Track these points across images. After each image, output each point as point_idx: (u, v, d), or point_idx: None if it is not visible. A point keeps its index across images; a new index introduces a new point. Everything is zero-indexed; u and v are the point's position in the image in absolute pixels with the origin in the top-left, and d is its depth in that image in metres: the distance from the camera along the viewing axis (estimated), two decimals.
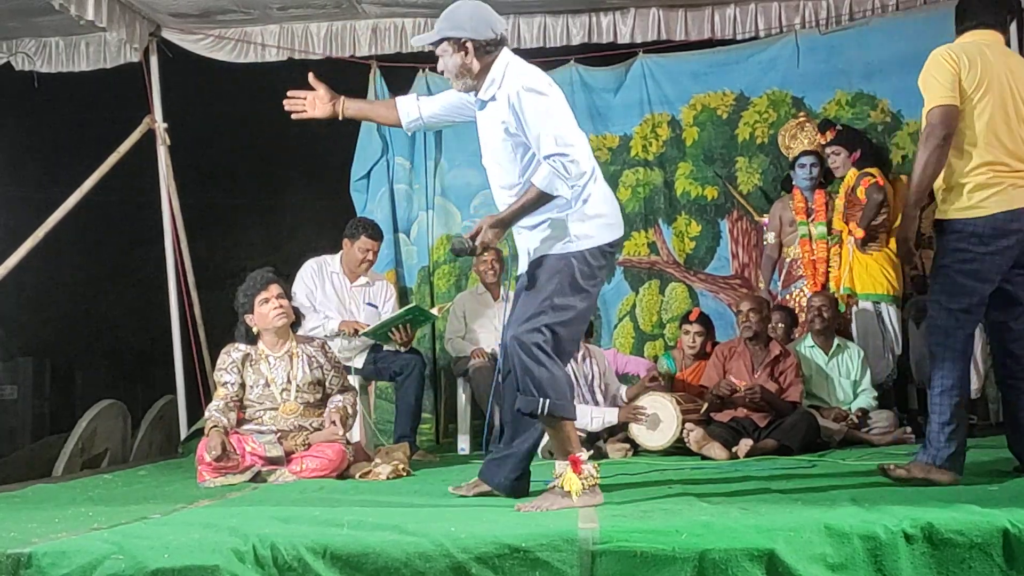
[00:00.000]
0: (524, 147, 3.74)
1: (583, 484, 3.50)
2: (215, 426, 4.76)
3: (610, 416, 5.84)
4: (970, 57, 4.08)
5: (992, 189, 3.93)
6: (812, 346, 6.32)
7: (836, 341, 6.27)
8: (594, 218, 3.77)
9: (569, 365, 5.94)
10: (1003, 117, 3.99)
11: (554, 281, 3.71)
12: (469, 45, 3.75)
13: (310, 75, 4.26)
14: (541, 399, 3.60)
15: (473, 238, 3.72)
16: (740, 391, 5.80)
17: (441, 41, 3.80)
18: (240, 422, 4.91)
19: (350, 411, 5.00)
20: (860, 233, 6.38)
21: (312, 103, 4.16)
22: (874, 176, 6.41)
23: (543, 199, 3.66)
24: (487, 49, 3.77)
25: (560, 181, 3.60)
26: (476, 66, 3.78)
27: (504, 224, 3.73)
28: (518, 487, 3.88)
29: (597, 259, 3.77)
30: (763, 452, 5.43)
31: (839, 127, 6.82)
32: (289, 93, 4.19)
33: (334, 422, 4.89)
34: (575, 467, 3.53)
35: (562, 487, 3.54)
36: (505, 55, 3.82)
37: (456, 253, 3.81)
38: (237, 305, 5.05)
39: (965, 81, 4.00)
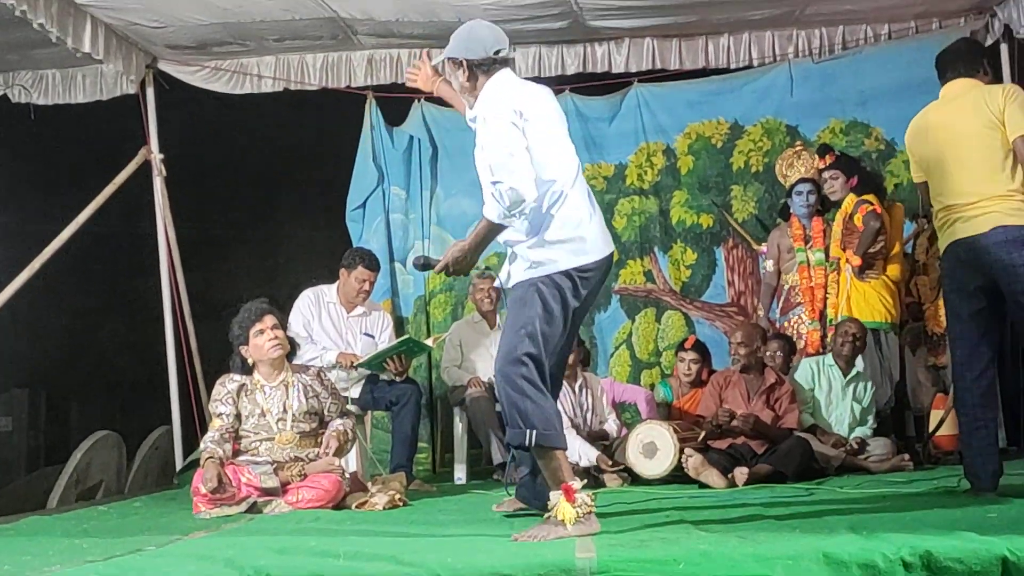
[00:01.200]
0: None
1: (577, 513, 3.45)
2: (211, 457, 4.75)
3: (590, 454, 5.82)
4: None
5: None
6: (832, 365, 6.28)
7: (857, 367, 6.28)
8: (556, 244, 3.70)
9: (567, 395, 5.95)
10: None
11: (525, 309, 3.69)
12: (464, 63, 3.84)
13: (423, 54, 4.43)
14: (528, 431, 3.56)
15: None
16: (737, 418, 5.80)
17: (445, 62, 3.94)
18: (236, 453, 4.89)
19: (349, 435, 4.99)
20: (857, 261, 6.39)
21: (421, 76, 4.28)
22: (871, 203, 6.43)
23: (493, 227, 3.69)
24: (482, 68, 3.84)
25: (502, 209, 3.60)
26: (469, 85, 3.87)
27: (466, 252, 3.77)
28: None
29: (565, 283, 3.70)
30: (757, 478, 5.40)
31: (837, 152, 6.85)
32: (408, 69, 4.41)
33: (330, 446, 4.88)
34: (568, 496, 3.49)
35: (556, 516, 3.48)
36: (499, 76, 3.84)
37: (418, 267, 3.95)
38: (232, 336, 5.04)
39: None
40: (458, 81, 3.90)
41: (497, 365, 3.70)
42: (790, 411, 5.96)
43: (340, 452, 4.97)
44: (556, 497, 3.53)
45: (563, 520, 3.46)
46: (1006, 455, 6.91)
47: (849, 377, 6.25)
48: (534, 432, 3.56)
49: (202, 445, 4.93)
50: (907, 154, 4.66)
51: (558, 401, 5.80)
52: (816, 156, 6.90)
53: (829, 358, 6.31)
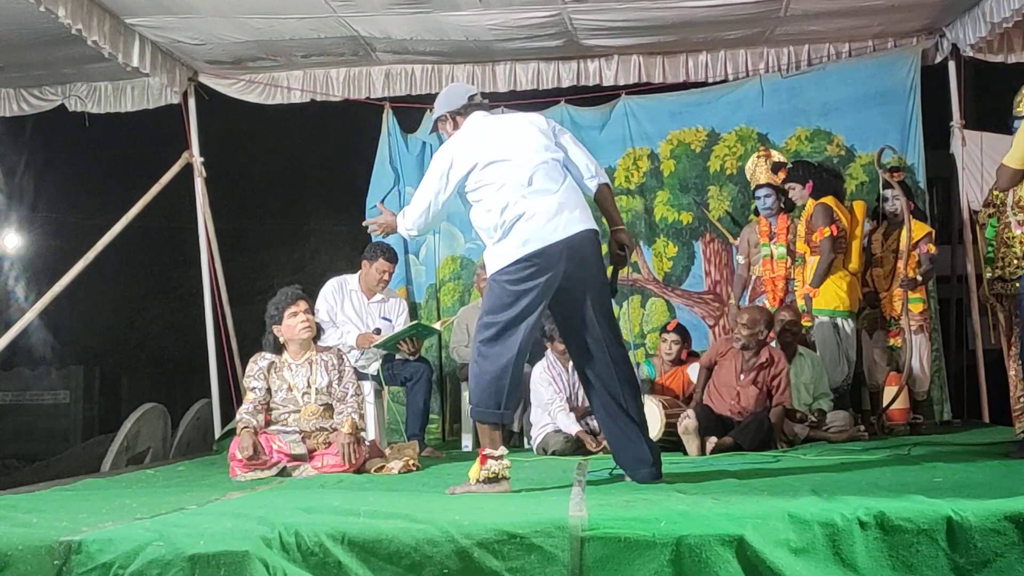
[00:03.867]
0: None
1: (482, 474, 3.70)
2: (246, 427, 4.75)
3: (572, 427, 5.79)
4: None
5: None
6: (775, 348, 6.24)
7: (798, 350, 6.25)
8: (505, 243, 3.88)
9: (562, 375, 5.92)
10: None
11: (485, 304, 3.96)
12: (447, 118, 4.17)
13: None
14: (472, 406, 3.90)
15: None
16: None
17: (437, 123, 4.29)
18: (267, 423, 4.90)
19: (354, 427, 4.91)
20: (814, 292, 6.34)
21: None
22: (830, 208, 6.37)
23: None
24: (460, 113, 4.15)
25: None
26: (455, 133, 4.17)
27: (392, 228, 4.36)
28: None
29: (517, 272, 3.84)
30: (721, 448, 5.36)
31: (789, 166, 6.78)
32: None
33: (343, 426, 4.84)
34: (481, 461, 3.74)
35: (470, 475, 3.78)
36: (471, 118, 4.13)
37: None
38: (267, 317, 5.02)
39: None
40: (448, 133, 4.20)
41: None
42: (781, 390, 5.78)
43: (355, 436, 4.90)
44: (476, 460, 3.80)
45: (470, 477, 3.76)
46: (951, 427, 6.94)
47: (791, 360, 6.11)
48: (471, 407, 3.90)
49: (238, 416, 4.93)
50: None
51: (557, 378, 5.84)
52: (777, 160, 6.89)
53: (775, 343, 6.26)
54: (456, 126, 4.13)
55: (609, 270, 4.09)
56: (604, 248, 4.10)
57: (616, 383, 3.94)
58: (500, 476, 3.72)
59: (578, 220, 3.89)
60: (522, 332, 3.82)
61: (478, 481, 3.72)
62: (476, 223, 4.03)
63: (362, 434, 4.97)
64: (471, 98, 4.14)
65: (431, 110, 7.77)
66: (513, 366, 3.81)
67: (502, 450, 3.77)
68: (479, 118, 4.11)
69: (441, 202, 4.04)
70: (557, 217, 3.85)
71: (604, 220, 4.20)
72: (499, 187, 3.91)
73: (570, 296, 3.92)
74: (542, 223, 3.84)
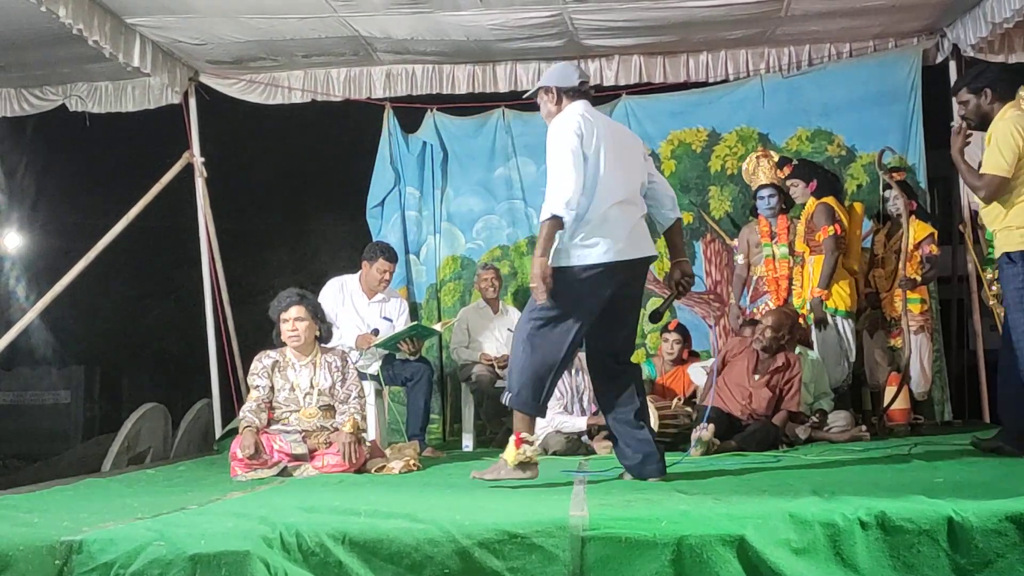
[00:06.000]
0: None
1: (517, 458, 3.78)
2: (248, 426, 4.76)
3: (579, 424, 5.80)
4: None
5: None
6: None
7: (797, 350, 6.24)
8: (588, 243, 3.86)
9: (564, 378, 5.91)
10: None
11: (545, 295, 3.84)
12: (553, 92, 4.09)
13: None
14: (507, 393, 3.97)
15: None
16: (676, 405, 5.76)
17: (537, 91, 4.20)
18: (269, 422, 4.90)
19: (360, 424, 4.92)
20: (825, 295, 6.34)
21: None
22: (831, 207, 6.37)
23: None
24: (568, 94, 4.06)
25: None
26: (553, 109, 4.09)
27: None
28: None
29: (595, 275, 3.86)
30: (725, 451, 5.35)
31: (795, 162, 6.81)
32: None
33: (344, 425, 4.85)
34: (517, 443, 3.81)
35: (503, 457, 3.84)
36: (578, 104, 4.03)
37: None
38: (270, 314, 5.08)
39: None
40: (544, 108, 4.13)
41: None
42: (791, 395, 5.77)
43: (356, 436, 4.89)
44: (511, 443, 3.86)
45: (506, 460, 3.82)
46: (951, 427, 6.94)
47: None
48: (509, 395, 3.94)
49: (240, 415, 4.93)
50: (1014, 147, 4.39)
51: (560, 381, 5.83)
52: (778, 161, 6.88)
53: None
54: (558, 103, 4.06)
55: (659, 302, 4.51)
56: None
57: (628, 392, 4.10)
58: (533, 461, 3.82)
59: (649, 245, 4.06)
60: (575, 331, 3.88)
61: (514, 465, 3.79)
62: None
63: (363, 434, 4.98)
64: (583, 83, 4.09)
65: (432, 110, 7.91)
66: (560, 365, 3.89)
67: (536, 435, 3.91)
68: (588, 107, 4.05)
69: (583, 176, 3.82)
70: (637, 236, 3.98)
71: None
72: (601, 186, 3.88)
73: (614, 312, 4.01)
74: (625, 237, 3.91)
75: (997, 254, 4.59)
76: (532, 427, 3.90)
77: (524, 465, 3.80)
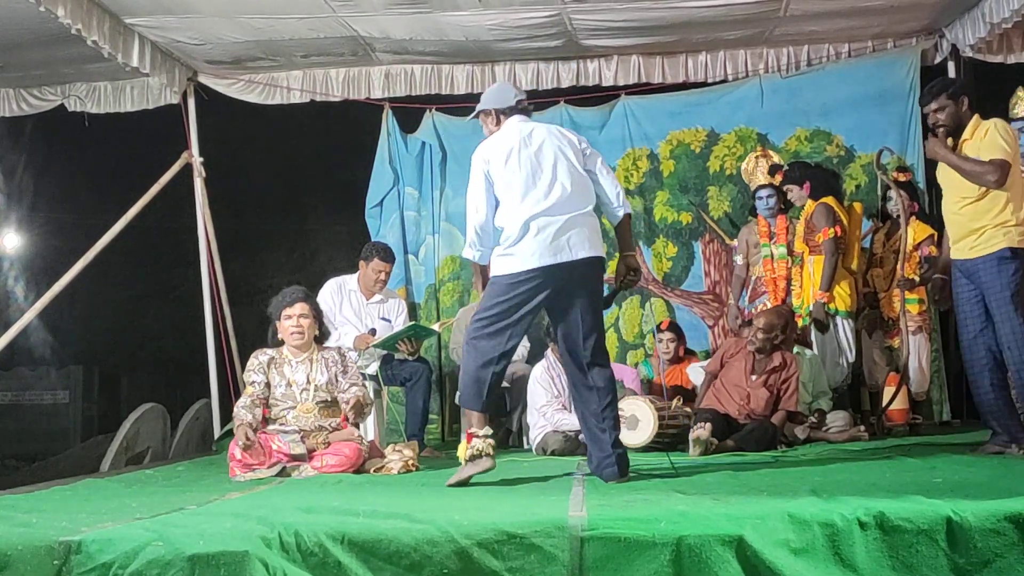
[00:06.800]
0: None
1: (470, 452, 3.96)
2: (240, 424, 4.76)
3: (578, 423, 5.76)
4: None
5: None
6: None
7: (796, 349, 6.24)
8: (515, 250, 4.04)
9: (560, 377, 5.88)
10: None
11: (483, 301, 4.16)
12: (491, 114, 4.31)
13: None
14: (459, 394, 4.18)
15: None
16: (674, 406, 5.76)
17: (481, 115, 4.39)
18: (267, 421, 4.90)
19: (363, 401, 4.95)
20: (826, 297, 6.34)
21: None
22: (831, 207, 6.37)
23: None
24: (504, 113, 4.28)
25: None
26: (494, 129, 4.32)
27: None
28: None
29: (524, 281, 4.03)
30: (723, 450, 5.34)
31: (785, 168, 6.78)
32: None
33: (350, 404, 4.88)
34: (468, 439, 4.01)
35: (459, 457, 4.05)
36: (510, 120, 4.26)
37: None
38: (269, 311, 5.06)
39: None
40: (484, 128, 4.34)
41: None
42: (789, 394, 5.78)
43: (361, 412, 4.94)
44: (463, 440, 4.08)
45: (460, 458, 4.03)
46: (950, 427, 6.95)
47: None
48: (457, 394, 4.24)
49: (235, 411, 4.94)
50: (1005, 139, 4.59)
51: (556, 379, 5.83)
52: (776, 161, 6.88)
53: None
54: (497, 123, 4.28)
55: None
56: (612, 268, 4.33)
57: (595, 396, 4.16)
58: (484, 453, 3.96)
59: (586, 245, 4.06)
60: (509, 334, 4.04)
61: (466, 461, 3.97)
62: (496, 223, 4.13)
63: (360, 434, 4.98)
64: (519, 102, 4.29)
65: (431, 110, 7.91)
66: (496, 363, 4.03)
67: (486, 429, 4.02)
68: (516, 122, 4.24)
69: (489, 207, 4.12)
70: (567, 238, 4.02)
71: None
72: (521, 194, 4.05)
73: (566, 314, 4.11)
74: (547, 244, 4.00)
75: (988, 250, 4.61)
76: (482, 423, 4.04)
77: (475, 458, 3.96)
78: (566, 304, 4.09)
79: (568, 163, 4.14)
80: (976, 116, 4.71)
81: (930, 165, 7.45)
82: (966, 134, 4.70)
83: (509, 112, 4.26)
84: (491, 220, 4.11)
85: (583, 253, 4.04)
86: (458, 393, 4.19)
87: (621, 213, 4.27)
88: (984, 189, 4.60)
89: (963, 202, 4.70)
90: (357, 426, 5.10)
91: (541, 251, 3.99)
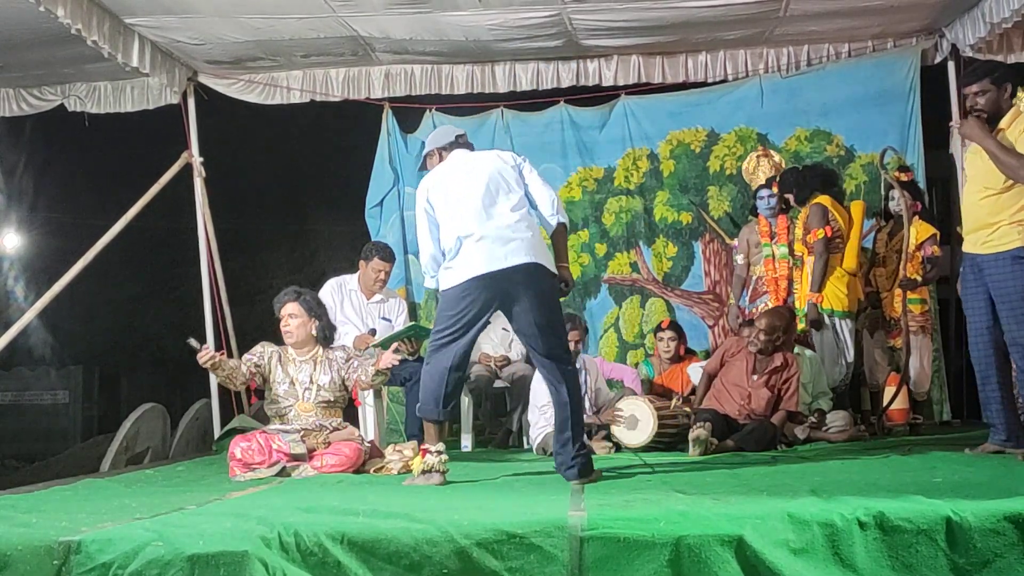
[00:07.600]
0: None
1: (419, 467, 4.11)
2: (223, 357, 4.89)
3: (588, 420, 5.79)
4: None
5: None
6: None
7: (796, 350, 6.24)
8: (454, 264, 4.27)
9: None
10: None
11: (436, 315, 4.38)
12: (435, 153, 4.60)
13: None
14: (418, 405, 4.31)
15: None
16: (677, 406, 5.76)
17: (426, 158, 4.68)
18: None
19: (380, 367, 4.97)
20: (818, 298, 6.33)
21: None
22: (825, 207, 6.36)
23: None
24: (446, 149, 4.58)
25: None
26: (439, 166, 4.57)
27: None
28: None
29: (464, 292, 4.23)
30: (723, 450, 5.34)
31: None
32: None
33: (373, 378, 4.97)
34: (422, 454, 4.15)
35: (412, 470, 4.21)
36: (452, 154, 4.53)
37: None
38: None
39: None
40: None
41: None
42: (790, 395, 5.77)
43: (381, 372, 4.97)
44: (418, 455, 4.23)
45: (414, 471, 4.17)
46: (950, 427, 6.95)
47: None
48: (417, 405, 4.33)
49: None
50: None
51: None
52: (777, 160, 6.88)
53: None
54: (441, 160, 4.55)
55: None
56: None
57: (561, 396, 4.28)
58: (434, 469, 4.09)
59: (524, 252, 4.21)
60: (460, 345, 4.23)
61: (418, 474, 4.12)
62: (442, 245, 4.37)
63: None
64: (458, 138, 4.59)
65: (431, 110, 7.91)
66: (450, 373, 4.20)
67: (440, 445, 4.16)
68: (457, 154, 4.52)
69: (434, 237, 4.37)
70: (504, 247, 4.20)
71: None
72: (456, 214, 4.29)
73: (517, 317, 4.28)
74: (488, 252, 4.20)
75: (1001, 247, 4.47)
76: (437, 437, 4.19)
77: (426, 473, 4.10)
78: (515, 308, 4.25)
79: (503, 181, 4.35)
80: (1016, 107, 4.46)
81: (931, 165, 7.49)
82: (1003, 123, 4.46)
83: (450, 147, 4.55)
84: (439, 248, 4.35)
85: (519, 260, 4.19)
86: (418, 404, 4.34)
87: (555, 222, 4.43)
88: (1009, 183, 4.41)
89: (985, 192, 4.51)
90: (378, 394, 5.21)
91: (477, 262, 4.19)
